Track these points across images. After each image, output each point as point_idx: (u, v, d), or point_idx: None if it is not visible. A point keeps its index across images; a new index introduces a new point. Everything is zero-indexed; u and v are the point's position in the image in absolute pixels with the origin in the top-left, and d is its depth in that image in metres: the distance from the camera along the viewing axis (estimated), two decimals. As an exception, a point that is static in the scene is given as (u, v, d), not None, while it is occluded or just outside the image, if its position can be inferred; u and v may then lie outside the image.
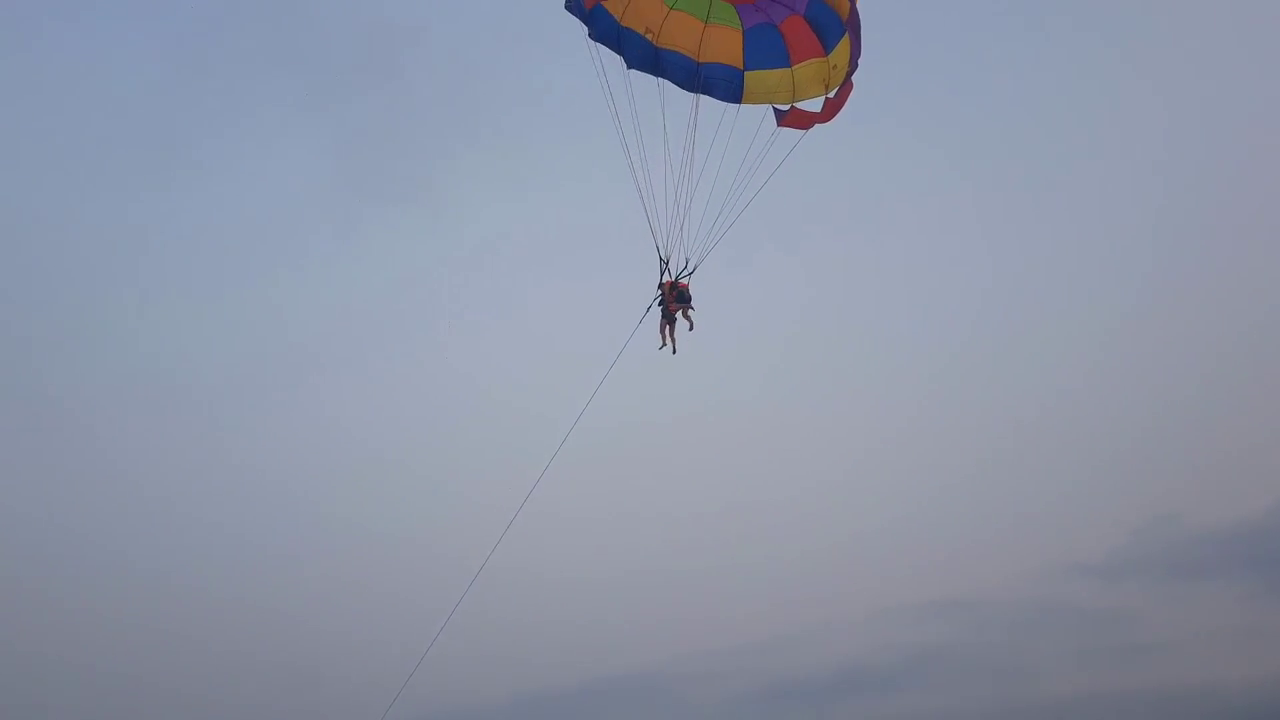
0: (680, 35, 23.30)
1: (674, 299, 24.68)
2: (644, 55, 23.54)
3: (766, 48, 23.47)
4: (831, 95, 24.12)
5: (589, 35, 23.38)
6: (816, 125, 24.20)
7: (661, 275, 24.68)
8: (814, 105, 24.21)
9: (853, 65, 23.76)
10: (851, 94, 24.57)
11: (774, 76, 23.73)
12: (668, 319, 24.95)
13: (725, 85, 23.90)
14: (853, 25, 23.25)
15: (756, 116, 23.88)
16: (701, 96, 23.24)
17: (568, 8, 23.60)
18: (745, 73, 23.69)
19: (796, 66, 23.52)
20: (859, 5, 23.44)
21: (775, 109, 24.12)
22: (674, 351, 25.04)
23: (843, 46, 23.77)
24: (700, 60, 23.58)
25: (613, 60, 23.44)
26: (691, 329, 25.18)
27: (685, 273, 24.63)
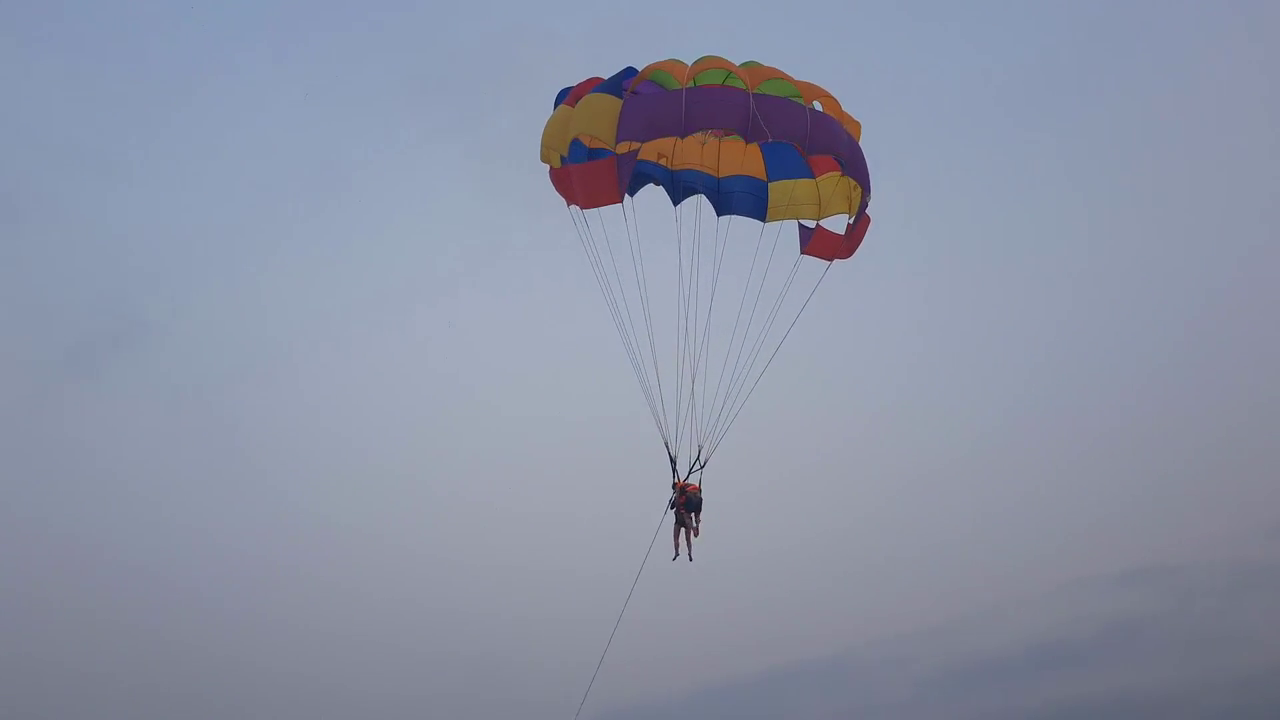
0: (695, 155, 21.77)
1: (684, 505, 22.19)
2: (661, 181, 22.20)
3: (787, 161, 21.72)
4: (852, 221, 22.38)
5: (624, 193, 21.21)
6: (836, 261, 22.32)
7: (673, 476, 22.18)
8: (836, 226, 22.49)
9: (867, 193, 22.00)
10: (869, 229, 23.10)
11: (799, 187, 22.01)
12: (680, 523, 22.46)
13: (749, 199, 22.33)
14: (861, 155, 21.87)
15: (760, 272, 21.36)
16: (706, 257, 20.74)
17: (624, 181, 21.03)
18: (769, 183, 22.04)
19: (820, 178, 21.82)
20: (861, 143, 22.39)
21: (801, 229, 22.32)
22: (690, 559, 22.52)
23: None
24: (720, 175, 22.19)
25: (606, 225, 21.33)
26: (696, 535, 22.45)
27: (697, 465, 22.04)
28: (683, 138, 20.77)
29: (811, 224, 22.34)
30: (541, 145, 22.32)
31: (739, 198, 22.34)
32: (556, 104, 22.40)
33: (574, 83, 22.13)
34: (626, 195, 21.22)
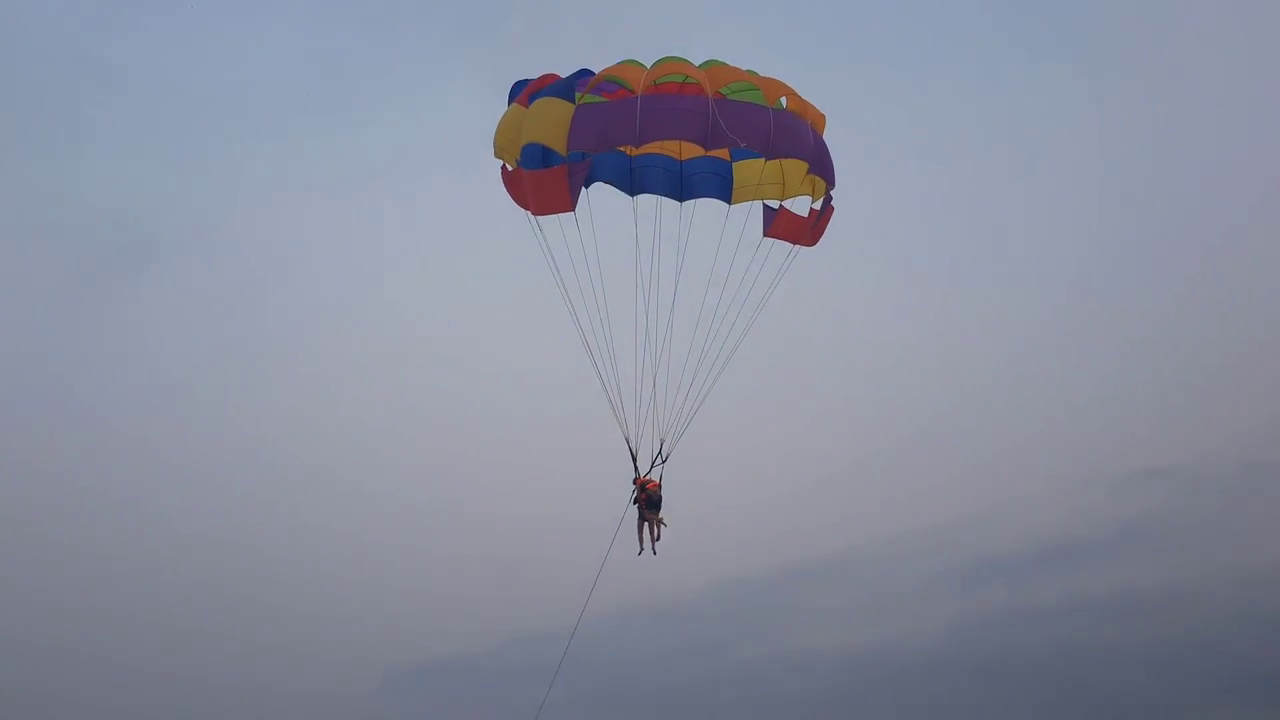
0: (656, 141, 20.62)
1: (644, 503, 21.56)
2: (620, 169, 20.97)
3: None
4: (817, 206, 21.70)
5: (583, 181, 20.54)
6: (800, 249, 21.50)
7: (634, 471, 21.52)
8: (800, 208, 21.58)
9: (830, 182, 21.33)
10: (832, 219, 22.33)
11: (765, 167, 20.86)
12: (643, 518, 21.75)
13: (713, 180, 21.34)
14: (825, 152, 21.13)
15: (725, 259, 20.43)
16: (669, 250, 19.83)
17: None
18: (733, 163, 21.05)
19: (784, 160, 20.72)
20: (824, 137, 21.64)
21: (765, 211, 21.30)
22: (654, 553, 21.86)
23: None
24: (683, 158, 21.17)
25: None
26: (658, 539, 21.76)
27: (658, 460, 21.33)
28: (637, 147, 20.15)
29: (775, 204, 21.55)
30: (494, 143, 21.45)
31: (702, 179, 21.51)
32: (511, 98, 21.44)
33: (532, 75, 21.07)
34: (584, 188, 20.44)
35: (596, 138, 19.86)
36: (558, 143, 19.83)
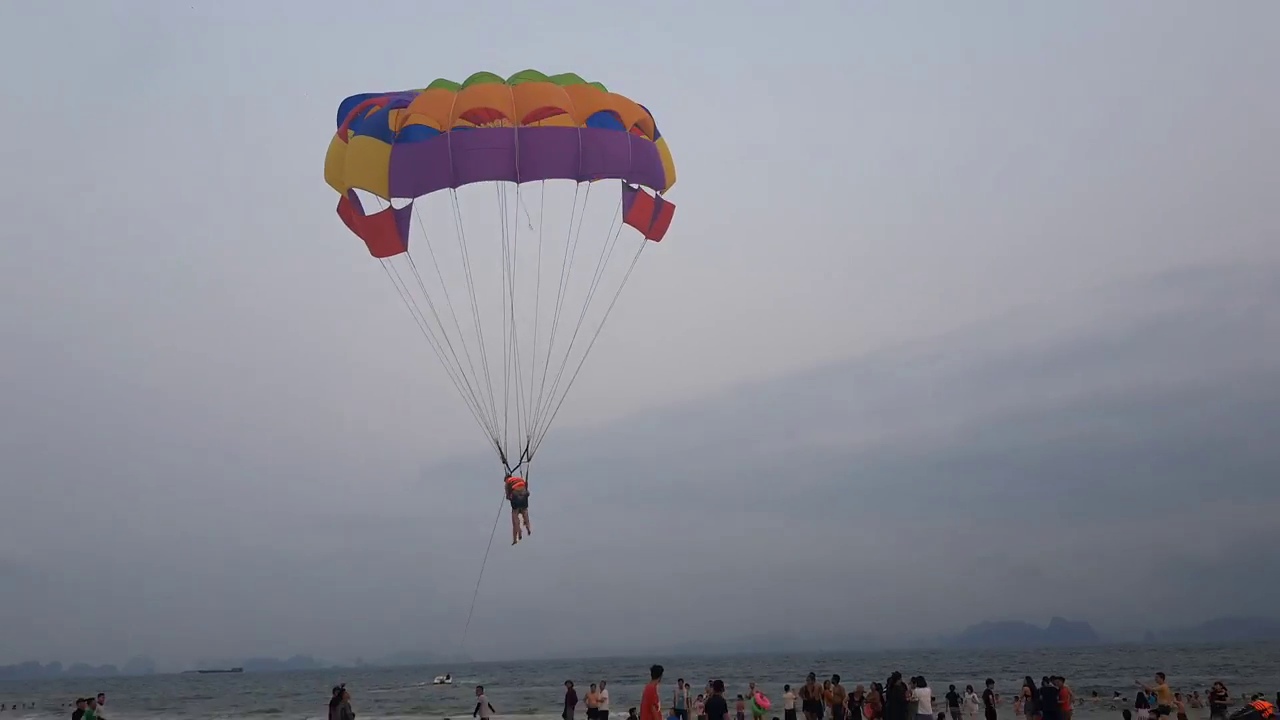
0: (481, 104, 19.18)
1: (512, 501, 20.96)
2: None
3: (600, 116, 19.48)
4: (665, 195, 20.71)
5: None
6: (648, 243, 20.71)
7: (505, 468, 20.89)
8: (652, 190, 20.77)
9: (658, 185, 20.38)
10: (673, 218, 21.40)
11: (665, 150, 20.47)
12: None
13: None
14: (655, 164, 20.12)
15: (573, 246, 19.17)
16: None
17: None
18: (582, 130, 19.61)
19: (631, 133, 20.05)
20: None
21: (624, 193, 20.15)
22: (527, 534, 21.19)
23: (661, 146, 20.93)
24: (523, 123, 18.83)
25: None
26: (528, 534, 21.03)
27: (525, 455, 20.67)
28: (454, 188, 18.75)
29: (635, 186, 20.25)
30: (325, 175, 20.24)
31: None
32: (339, 119, 20.08)
33: (356, 91, 20.01)
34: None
35: (414, 184, 18.92)
36: (379, 188, 19.07)
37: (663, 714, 20.27)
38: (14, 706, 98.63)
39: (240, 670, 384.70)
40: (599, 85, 20.37)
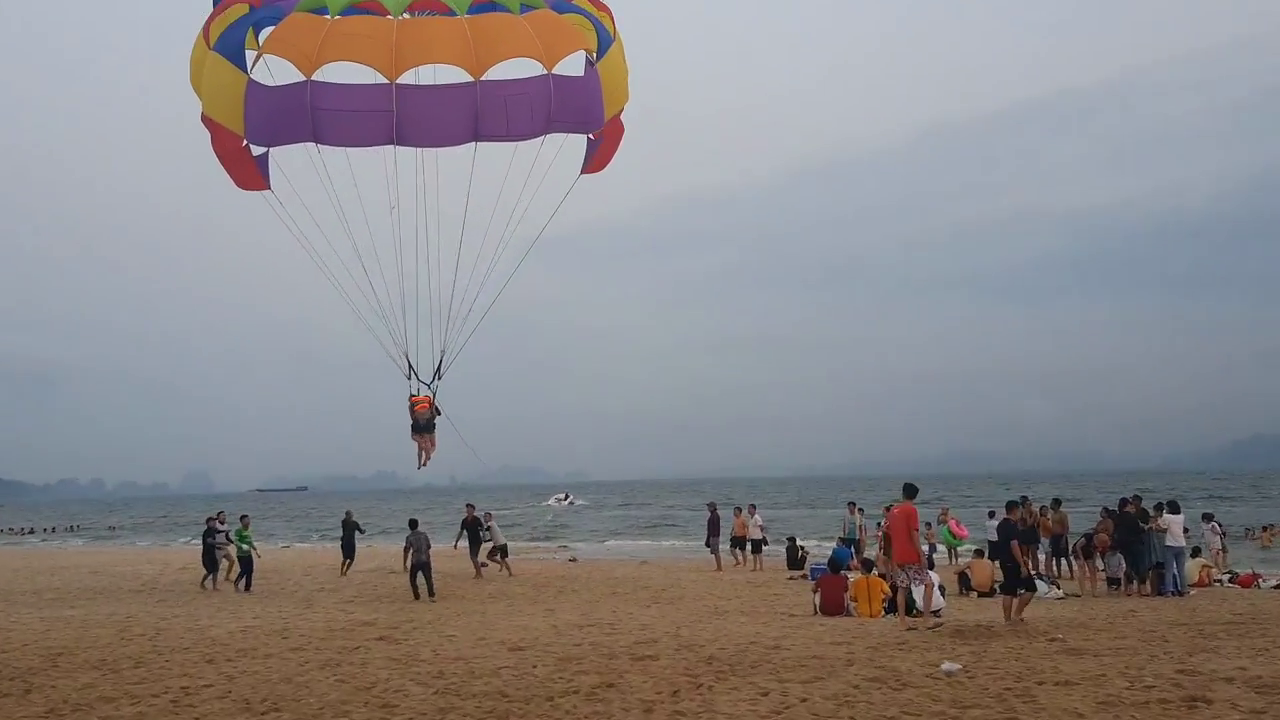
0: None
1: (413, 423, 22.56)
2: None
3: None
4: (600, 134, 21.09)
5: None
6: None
7: (410, 382, 22.36)
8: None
9: (592, 128, 20.82)
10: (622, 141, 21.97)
11: (615, 64, 20.77)
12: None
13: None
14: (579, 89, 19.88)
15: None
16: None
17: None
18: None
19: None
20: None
21: (588, 144, 21.26)
22: (425, 464, 23.38)
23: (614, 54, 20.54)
24: (479, 75, 18.97)
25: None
26: (425, 461, 23.24)
27: (436, 374, 22.34)
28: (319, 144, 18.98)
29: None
30: (190, 74, 20.57)
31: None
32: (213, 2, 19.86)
33: None
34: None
35: (270, 136, 19.57)
36: (236, 128, 19.53)
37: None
38: (49, 529, 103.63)
39: (305, 489, 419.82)
40: None
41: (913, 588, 18.57)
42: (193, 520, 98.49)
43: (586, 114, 20.06)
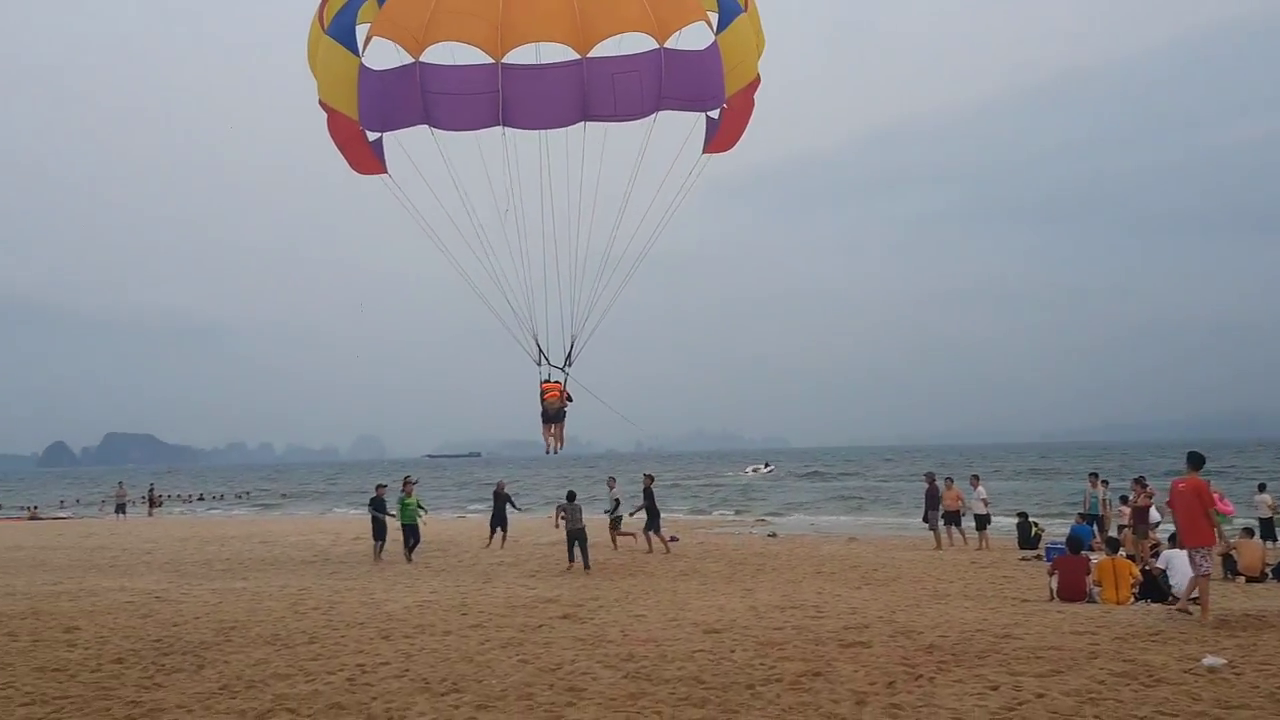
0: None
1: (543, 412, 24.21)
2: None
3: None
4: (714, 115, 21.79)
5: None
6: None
7: (540, 368, 23.84)
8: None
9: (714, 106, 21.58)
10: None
11: (741, 37, 21.08)
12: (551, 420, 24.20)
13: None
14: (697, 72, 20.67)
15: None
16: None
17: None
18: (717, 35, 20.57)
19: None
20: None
21: (708, 123, 22.14)
22: (558, 449, 24.88)
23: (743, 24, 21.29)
24: (586, 52, 20.08)
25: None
26: (557, 448, 24.89)
27: (566, 361, 23.88)
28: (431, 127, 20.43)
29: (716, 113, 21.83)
30: (308, 57, 22.43)
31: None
32: None
33: None
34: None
35: (382, 120, 21.24)
36: (351, 111, 21.23)
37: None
38: (218, 496, 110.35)
39: (478, 455, 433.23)
40: None
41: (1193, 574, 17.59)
42: (359, 489, 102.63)
43: (703, 90, 20.75)
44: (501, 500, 35.90)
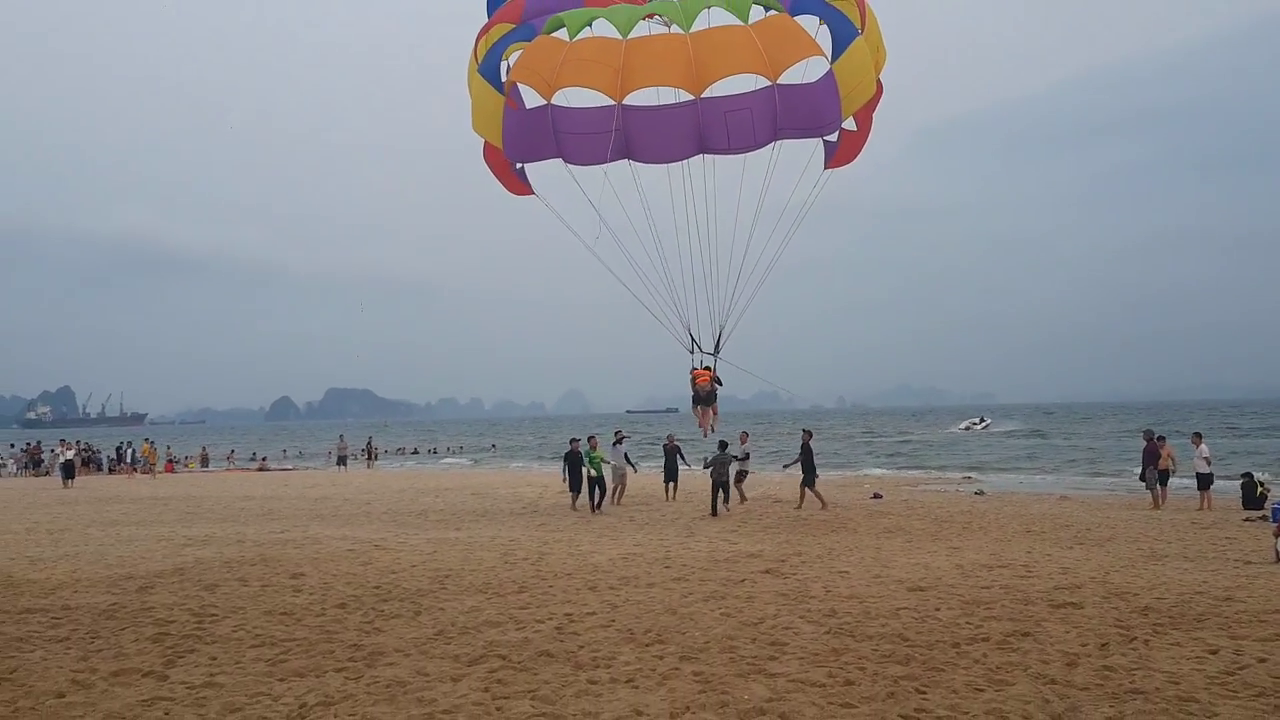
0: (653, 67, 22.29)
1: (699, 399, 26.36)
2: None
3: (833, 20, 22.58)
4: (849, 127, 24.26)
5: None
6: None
7: (693, 355, 25.69)
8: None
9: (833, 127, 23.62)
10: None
11: (858, 61, 22.52)
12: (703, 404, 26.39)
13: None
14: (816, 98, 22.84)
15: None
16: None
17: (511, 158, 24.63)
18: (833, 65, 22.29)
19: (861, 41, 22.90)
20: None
21: (826, 144, 24.28)
22: (713, 429, 27.06)
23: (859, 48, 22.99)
24: (700, 93, 21.94)
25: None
26: (711, 430, 26.99)
27: (716, 347, 25.75)
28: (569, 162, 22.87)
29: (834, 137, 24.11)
30: (468, 86, 24.76)
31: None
32: (489, 9, 24.73)
33: None
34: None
35: (523, 154, 23.74)
36: (497, 142, 23.88)
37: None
38: (431, 449, 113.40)
39: (675, 410, 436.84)
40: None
41: None
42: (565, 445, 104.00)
43: (818, 119, 22.30)
44: (672, 454, 36.48)
